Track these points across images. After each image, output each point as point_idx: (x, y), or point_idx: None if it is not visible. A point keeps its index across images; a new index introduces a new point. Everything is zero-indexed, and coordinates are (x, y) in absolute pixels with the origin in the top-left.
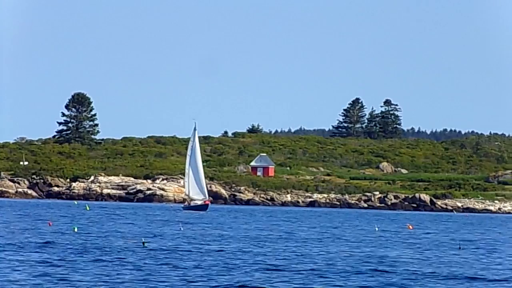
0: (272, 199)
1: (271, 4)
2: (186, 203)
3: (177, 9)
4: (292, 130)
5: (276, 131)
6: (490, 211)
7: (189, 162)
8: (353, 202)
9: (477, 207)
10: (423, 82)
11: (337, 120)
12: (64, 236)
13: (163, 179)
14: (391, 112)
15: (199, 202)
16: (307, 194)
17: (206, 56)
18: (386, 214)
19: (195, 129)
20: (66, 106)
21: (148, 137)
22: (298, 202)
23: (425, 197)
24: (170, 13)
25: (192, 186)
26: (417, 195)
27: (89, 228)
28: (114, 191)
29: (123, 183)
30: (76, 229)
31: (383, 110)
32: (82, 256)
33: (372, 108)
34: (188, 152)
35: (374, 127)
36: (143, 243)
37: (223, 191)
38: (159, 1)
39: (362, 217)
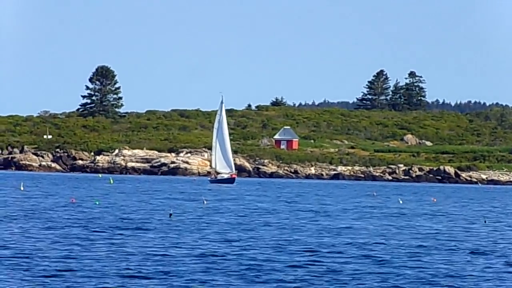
0: (296, 172)
1: None
2: (212, 176)
3: None
4: (316, 103)
5: (300, 104)
6: None
7: (216, 135)
8: (377, 174)
9: (501, 179)
10: (447, 54)
11: (361, 92)
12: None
13: (187, 153)
14: (416, 84)
15: (226, 176)
16: (331, 166)
17: (229, 29)
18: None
19: (222, 102)
20: (90, 79)
21: (172, 110)
22: (322, 174)
23: (450, 169)
24: None
25: (219, 159)
26: (441, 167)
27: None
28: (138, 164)
29: (147, 157)
30: (98, 203)
31: (408, 82)
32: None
33: (397, 80)
34: (215, 125)
35: (399, 99)
36: (170, 214)
37: (247, 164)
38: None
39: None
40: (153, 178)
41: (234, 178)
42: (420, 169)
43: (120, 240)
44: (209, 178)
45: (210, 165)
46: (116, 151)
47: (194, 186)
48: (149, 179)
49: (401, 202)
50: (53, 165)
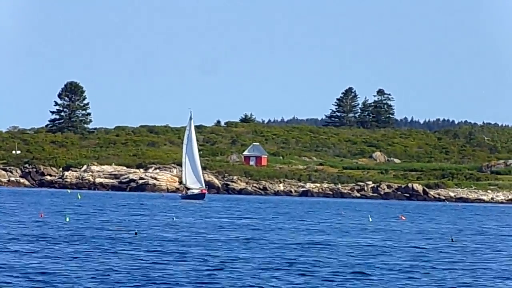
0: (264, 189)
1: None
2: (183, 192)
3: (166, 2)
4: (285, 120)
5: (269, 121)
6: (483, 201)
7: (186, 151)
8: (346, 191)
9: (470, 197)
10: (416, 72)
11: (330, 109)
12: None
13: (155, 168)
14: (384, 101)
15: (196, 191)
16: (299, 183)
17: (199, 47)
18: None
19: (191, 118)
20: (59, 95)
21: (141, 126)
22: (291, 191)
23: (418, 186)
24: (161, 3)
25: (188, 175)
26: (410, 184)
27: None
28: (106, 180)
29: (116, 172)
30: (68, 219)
31: (376, 99)
32: None
33: (365, 98)
34: (184, 141)
35: (367, 116)
36: (136, 233)
37: (215, 181)
38: None
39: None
40: (122, 194)
41: (204, 194)
42: (389, 187)
43: (80, 256)
44: (179, 194)
45: (180, 181)
46: (85, 167)
47: (163, 202)
48: (117, 195)
49: (370, 219)
50: (22, 180)
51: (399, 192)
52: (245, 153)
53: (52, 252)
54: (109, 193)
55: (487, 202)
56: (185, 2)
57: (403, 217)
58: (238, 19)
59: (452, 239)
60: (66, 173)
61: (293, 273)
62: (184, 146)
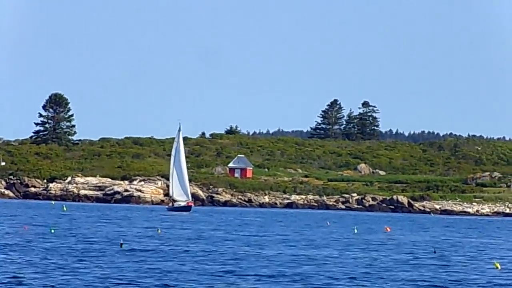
0: (249, 201)
1: (248, 7)
2: (170, 204)
3: (150, 8)
4: (270, 132)
5: (254, 133)
6: (468, 213)
7: (173, 163)
8: (331, 203)
9: (455, 209)
10: (401, 84)
11: (315, 121)
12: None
13: (140, 180)
14: (369, 113)
15: (182, 204)
16: (284, 195)
17: (184, 57)
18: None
19: (179, 130)
20: (44, 107)
21: (126, 138)
22: (276, 203)
23: (403, 199)
24: (146, 17)
25: (176, 187)
26: (394, 197)
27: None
28: (91, 192)
29: (100, 184)
30: (53, 231)
31: (361, 111)
32: None
33: (350, 110)
34: (173, 153)
35: (352, 128)
36: (121, 244)
37: (200, 193)
38: (134, 2)
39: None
40: (107, 206)
41: (190, 206)
42: (373, 199)
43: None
44: (166, 206)
45: (167, 193)
46: (69, 178)
47: (149, 214)
48: (102, 207)
49: (356, 231)
50: (6, 192)
51: (384, 204)
52: (230, 165)
53: (33, 262)
54: (96, 205)
55: (472, 214)
56: (169, 16)
57: (388, 229)
58: (222, 32)
59: (434, 251)
60: (51, 185)
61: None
62: (172, 158)
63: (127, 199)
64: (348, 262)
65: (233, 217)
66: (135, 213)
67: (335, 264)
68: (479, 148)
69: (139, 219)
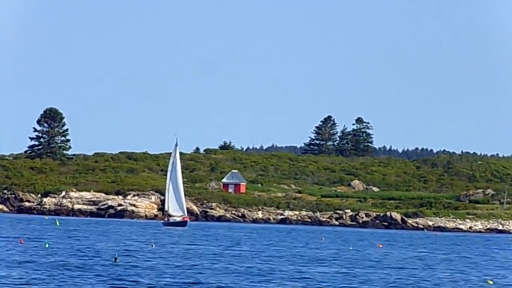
0: (243, 216)
1: (241, 22)
2: (166, 219)
3: (145, 23)
4: (264, 147)
5: (248, 148)
6: (461, 230)
7: (170, 178)
8: (324, 219)
9: (448, 225)
10: (395, 100)
11: (309, 137)
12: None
13: (134, 195)
14: (363, 130)
15: (178, 219)
16: (278, 211)
17: (178, 72)
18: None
19: (176, 145)
20: (38, 121)
21: (120, 152)
22: (269, 219)
23: (396, 215)
24: (137, 27)
25: (171, 202)
26: (388, 213)
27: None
28: (85, 207)
29: (94, 199)
30: (47, 245)
31: (355, 128)
32: None
33: (344, 126)
34: (169, 168)
35: (346, 144)
36: (115, 258)
37: (194, 208)
38: (127, 14)
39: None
40: (101, 220)
41: (186, 221)
42: (367, 215)
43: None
44: (162, 221)
45: (162, 208)
46: (63, 193)
47: (145, 229)
48: (96, 221)
49: (351, 248)
50: (0, 206)
51: (377, 221)
52: (224, 180)
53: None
54: (90, 219)
55: (465, 231)
56: (164, 31)
57: (380, 245)
58: (217, 47)
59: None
60: (45, 199)
61: None
62: (169, 173)
63: (121, 213)
64: None
65: (242, 234)
66: (129, 228)
67: None
68: (481, 163)
69: (134, 234)
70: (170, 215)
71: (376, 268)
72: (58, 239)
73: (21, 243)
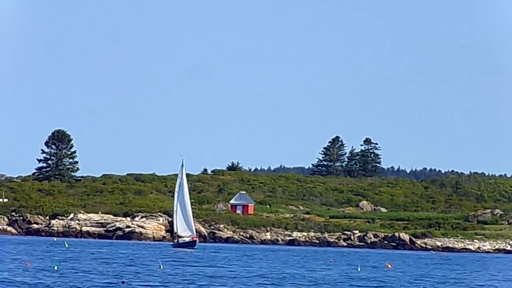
0: (251, 237)
1: (249, 41)
2: (175, 240)
3: (151, 42)
4: (272, 168)
5: (256, 169)
6: (470, 250)
7: (177, 199)
8: (332, 240)
9: (456, 246)
10: (403, 121)
11: (317, 158)
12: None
13: (142, 217)
14: (371, 150)
15: (187, 239)
16: (286, 232)
17: (186, 93)
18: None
19: (182, 166)
20: (46, 143)
21: (128, 174)
22: (278, 240)
23: (405, 236)
24: (144, 47)
25: (180, 223)
26: (396, 234)
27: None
28: (93, 229)
29: (102, 221)
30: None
31: (363, 148)
32: None
33: (352, 147)
34: (176, 189)
35: (354, 165)
36: (123, 282)
37: (202, 229)
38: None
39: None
40: (109, 243)
41: (195, 241)
42: (375, 236)
43: None
44: (171, 243)
45: (169, 230)
46: (71, 215)
47: (155, 251)
48: (104, 243)
49: (359, 269)
50: (9, 228)
51: (385, 241)
52: (232, 201)
53: None
54: (98, 241)
55: (473, 251)
56: (170, 51)
57: (389, 265)
58: (223, 68)
59: None
60: (53, 221)
61: None
62: (176, 194)
63: (129, 235)
64: None
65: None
66: (138, 250)
67: None
68: (491, 181)
69: (143, 256)
70: (179, 236)
71: None
72: (67, 262)
73: (26, 265)
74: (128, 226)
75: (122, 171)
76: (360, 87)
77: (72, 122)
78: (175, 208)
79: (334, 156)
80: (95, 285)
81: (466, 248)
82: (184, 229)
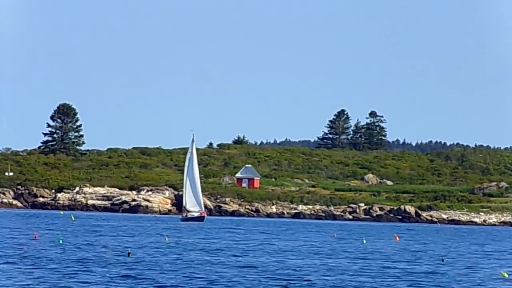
0: (257, 211)
1: (255, 17)
2: (184, 214)
3: (160, 18)
4: (278, 142)
5: (262, 143)
6: (475, 223)
7: (187, 173)
8: (338, 213)
9: (462, 219)
10: (408, 94)
11: (323, 131)
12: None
13: (148, 190)
14: (377, 123)
15: (196, 214)
16: (292, 205)
17: (191, 67)
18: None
19: (193, 141)
20: (52, 117)
21: (133, 148)
22: (283, 213)
23: (410, 209)
24: (152, 22)
25: (189, 197)
26: (402, 207)
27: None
28: (99, 202)
29: (108, 194)
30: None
31: (369, 121)
32: None
33: (358, 120)
34: (186, 163)
35: (360, 138)
36: (129, 253)
37: (208, 203)
38: (143, 11)
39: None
40: (117, 216)
41: (204, 217)
42: (381, 209)
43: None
44: (180, 217)
45: (177, 204)
46: (77, 188)
47: (163, 224)
48: (111, 217)
49: (365, 241)
50: (14, 202)
51: (391, 214)
52: (238, 175)
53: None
54: (104, 214)
55: (479, 224)
56: (178, 27)
57: (397, 238)
58: (229, 41)
59: (443, 260)
60: (59, 195)
61: None
62: (186, 169)
63: (135, 209)
64: None
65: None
66: (148, 223)
67: None
68: (483, 155)
69: (153, 229)
70: (188, 211)
71: None
72: (74, 234)
73: (35, 237)
74: (134, 200)
75: (128, 145)
76: (366, 60)
77: (77, 95)
78: (184, 182)
79: (339, 129)
80: (102, 255)
81: (471, 221)
82: (193, 204)
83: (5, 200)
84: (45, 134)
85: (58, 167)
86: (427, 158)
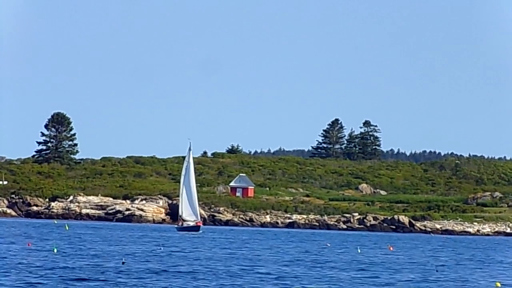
0: (251, 220)
1: (249, 26)
2: (180, 223)
3: (153, 27)
4: (272, 151)
5: (256, 152)
6: (469, 233)
7: (183, 182)
8: (332, 223)
9: (455, 229)
10: (402, 104)
11: (317, 141)
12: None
13: (142, 200)
14: (371, 133)
15: (191, 223)
16: (286, 215)
17: (185, 77)
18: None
19: (190, 149)
20: (46, 126)
21: (127, 157)
22: (277, 223)
23: (404, 218)
24: (145, 31)
25: (185, 207)
26: (396, 216)
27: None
28: (93, 211)
29: (102, 203)
30: (55, 250)
31: (363, 131)
32: None
33: (352, 129)
34: (182, 172)
35: (354, 148)
36: (123, 262)
37: (202, 212)
38: (136, 20)
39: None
40: (110, 225)
41: (199, 226)
42: (375, 218)
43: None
44: (176, 226)
45: (171, 213)
46: (71, 197)
47: (159, 234)
48: (105, 226)
49: (359, 251)
50: (8, 211)
51: (385, 224)
52: (232, 184)
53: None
54: (99, 223)
55: (473, 234)
56: (171, 35)
57: (391, 248)
58: (223, 50)
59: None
60: (53, 203)
61: None
62: (182, 178)
63: (129, 218)
64: None
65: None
66: (142, 233)
67: None
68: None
69: (148, 239)
70: (184, 220)
71: None
72: (68, 244)
73: (29, 245)
74: (128, 209)
75: (122, 154)
76: (360, 70)
77: (71, 104)
78: (180, 191)
79: (333, 139)
80: (96, 264)
81: (465, 231)
82: (189, 214)
83: None
84: (39, 143)
85: (52, 176)
86: (421, 168)
